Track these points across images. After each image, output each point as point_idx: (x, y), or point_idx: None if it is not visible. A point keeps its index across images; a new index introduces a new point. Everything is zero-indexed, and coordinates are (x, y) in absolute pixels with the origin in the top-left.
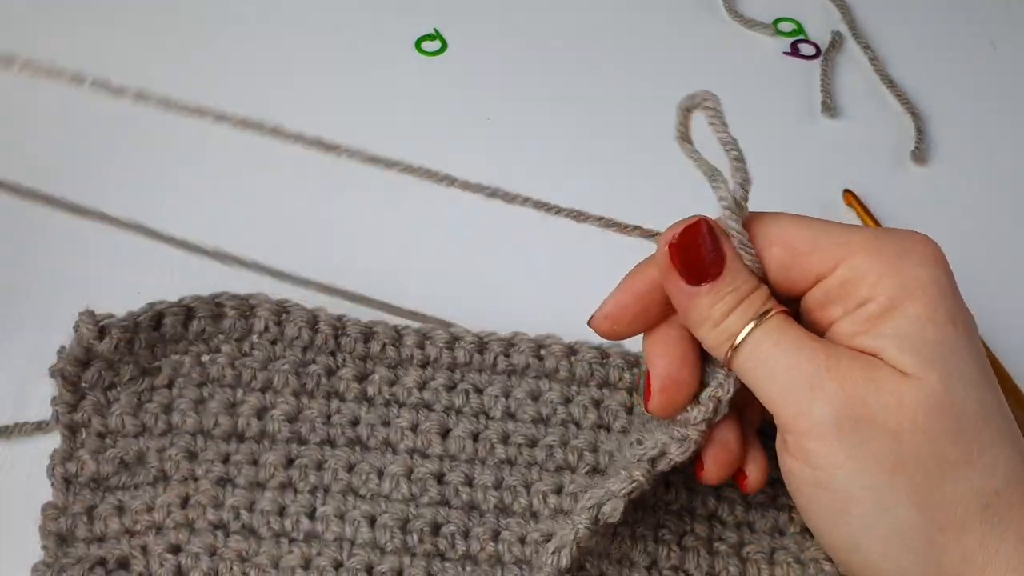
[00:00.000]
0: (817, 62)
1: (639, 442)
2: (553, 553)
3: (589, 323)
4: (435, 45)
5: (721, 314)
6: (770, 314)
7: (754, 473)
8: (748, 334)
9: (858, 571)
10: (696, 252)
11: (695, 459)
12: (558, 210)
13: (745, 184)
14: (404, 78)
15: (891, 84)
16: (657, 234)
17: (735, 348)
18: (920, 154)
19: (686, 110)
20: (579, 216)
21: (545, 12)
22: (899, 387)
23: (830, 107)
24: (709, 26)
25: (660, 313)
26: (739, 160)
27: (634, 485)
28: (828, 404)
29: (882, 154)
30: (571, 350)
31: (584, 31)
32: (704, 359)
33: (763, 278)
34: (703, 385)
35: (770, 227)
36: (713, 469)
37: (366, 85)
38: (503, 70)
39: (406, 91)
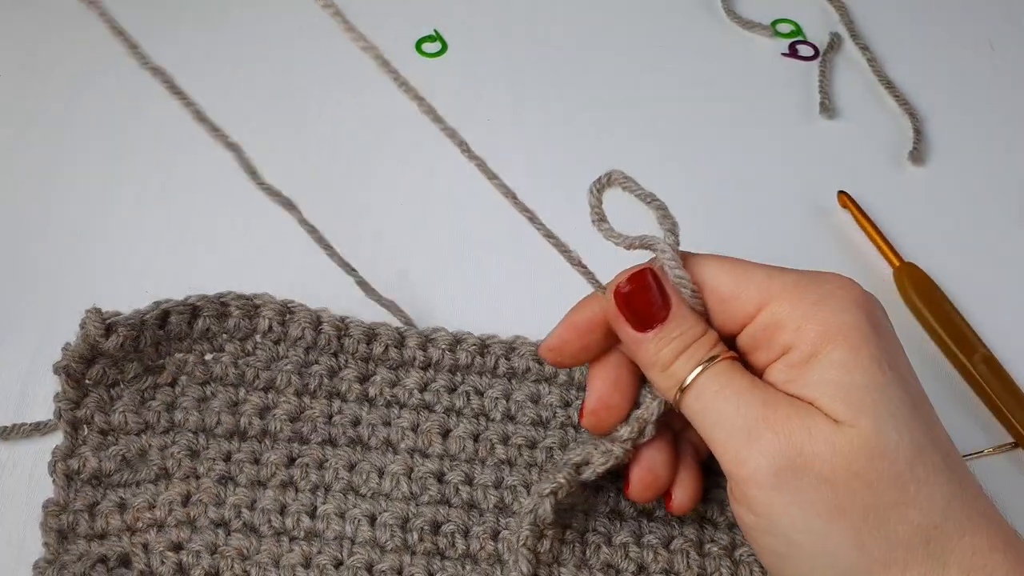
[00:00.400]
0: (815, 63)
1: (571, 449)
2: (513, 561)
3: (538, 350)
4: (435, 46)
5: (668, 358)
6: (717, 359)
7: (680, 496)
8: (694, 378)
9: None
10: (643, 299)
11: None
12: (531, 217)
13: (674, 230)
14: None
15: (889, 85)
16: (598, 284)
17: (683, 391)
18: (918, 155)
19: (598, 191)
20: (546, 233)
21: (545, 13)
22: (831, 436)
23: (828, 108)
24: (707, 27)
25: (601, 346)
26: (662, 209)
27: (555, 485)
28: (764, 454)
29: (880, 155)
30: None
31: (583, 32)
32: (641, 382)
33: (708, 322)
34: (637, 406)
35: (698, 270)
36: (637, 488)
37: (366, 85)
38: (503, 70)
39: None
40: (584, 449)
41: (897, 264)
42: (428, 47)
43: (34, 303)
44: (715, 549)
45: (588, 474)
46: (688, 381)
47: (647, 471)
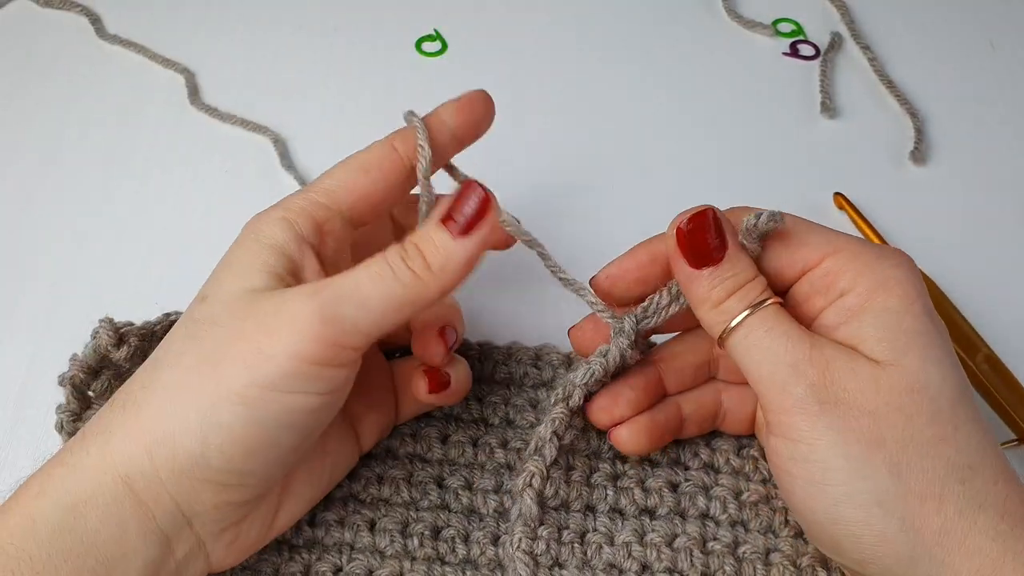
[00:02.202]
0: (816, 63)
1: (553, 393)
2: (512, 569)
3: (591, 280)
4: (435, 46)
5: (720, 297)
6: (766, 303)
7: (625, 434)
8: (743, 319)
9: (840, 545)
10: (701, 238)
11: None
12: (529, 241)
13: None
14: (404, 78)
15: (890, 85)
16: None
17: (730, 330)
18: (919, 154)
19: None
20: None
21: (544, 13)
22: (875, 373)
23: (829, 108)
24: (709, 26)
25: (655, 286)
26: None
27: (554, 420)
28: (810, 386)
29: (881, 154)
30: (568, 359)
31: (584, 32)
32: (660, 292)
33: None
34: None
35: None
36: (595, 407)
37: (366, 85)
38: (503, 70)
39: (406, 91)
40: (565, 380)
41: None
42: (428, 47)
43: (34, 305)
44: (718, 547)
45: (576, 398)
46: (738, 320)
47: (610, 396)
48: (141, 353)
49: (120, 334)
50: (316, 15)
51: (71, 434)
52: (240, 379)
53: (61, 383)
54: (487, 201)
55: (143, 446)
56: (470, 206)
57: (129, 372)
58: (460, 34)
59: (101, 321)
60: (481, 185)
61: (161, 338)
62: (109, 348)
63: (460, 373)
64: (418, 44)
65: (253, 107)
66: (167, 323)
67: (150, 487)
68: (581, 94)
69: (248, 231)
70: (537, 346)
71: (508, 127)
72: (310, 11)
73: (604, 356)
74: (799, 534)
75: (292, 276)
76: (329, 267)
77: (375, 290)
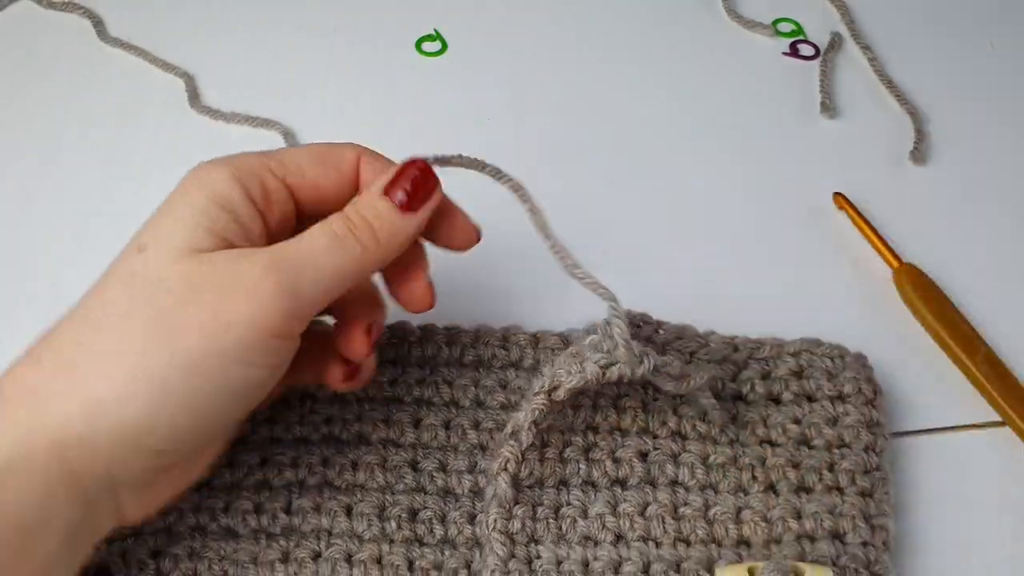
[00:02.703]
0: (816, 62)
1: (540, 376)
2: (488, 547)
3: None
4: (435, 46)
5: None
6: None
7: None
8: None
9: None
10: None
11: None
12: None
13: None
14: (404, 78)
15: (890, 84)
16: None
17: None
18: (919, 154)
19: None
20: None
21: (545, 13)
22: None
23: (829, 107)
24: (709, 26)
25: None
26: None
27: (534, 411)
28: None
29: (881, 154)
30: (535, 339)
31: (584, 31)
32: None
33: None
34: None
35: None
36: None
37: (366, 85)
38: (503, 70)
39: (406, 91)
40: (553, 371)
41: (896, 265)
42: (428, 47)
43: (34, 305)
44: (689, 512)
45: (561, 393)
46: None
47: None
48: None
49: None
50: (316, 15)
51: None
52: (196, 349)
53: None
54: (432, 176)
55: (82, 413)
56: (414, 179)
57: None
58: (460, 34)
59: None
60: (424, 161)
61: None
62: None
63: (370, 363)
64: (418, 44)
65: (253, 107)
66: None
67: (83, 454)
68: (581, 94)
69: (194, 181)
70: (503, 327)
71: (508, 127)
72: (310, 11)
73: (597, 361)
74: (769, 487)
75: (237, 239)
76: (272, 237)
77: (329, 262)
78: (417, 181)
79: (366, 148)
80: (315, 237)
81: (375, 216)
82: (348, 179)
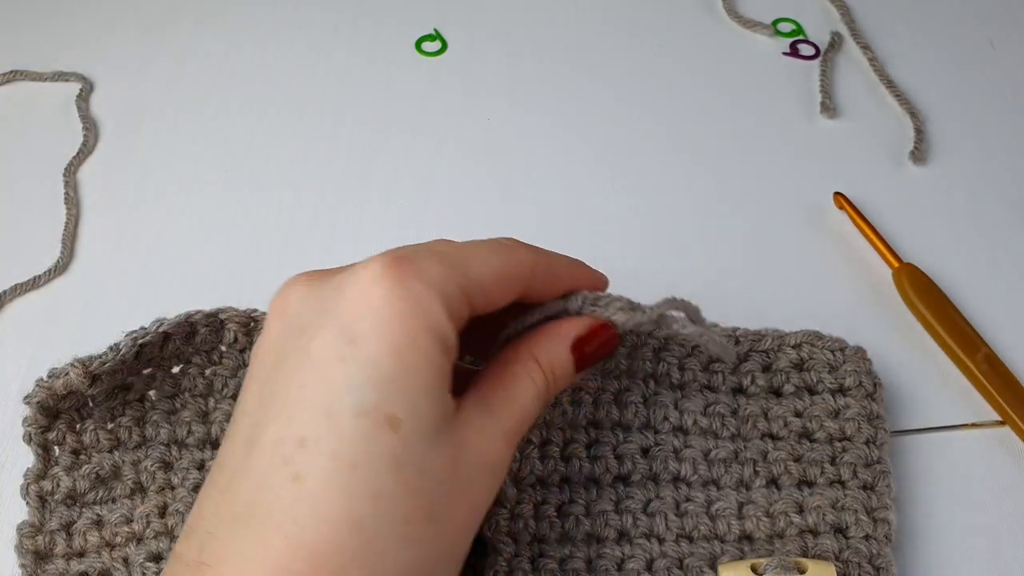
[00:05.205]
0: (816, 62)
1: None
2: None
3: None
4: (435, 45)
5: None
6: None
7: None
8: None
9: None
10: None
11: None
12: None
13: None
14: (404, 78)
15: (890, 84)
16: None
17: None
18: (919, 154)
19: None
20: None
21: (545, 13)
22: None
23: (829, 107)
24: (709, 26)
25: None
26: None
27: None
28: None
29: (881, 154)
30: None
31: (584, 31)
32: None
33: None
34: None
35: None
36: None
37: (366, 85)
38: (503, 70)
39: (406, 91)
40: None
41: (896, 265)
42: (428, 47)
43: (34, 305)
44: (691, 507)
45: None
46: None
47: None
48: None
49: (93, 375)
50: (316, 15)
51: (40, 445)
52: (457, 542)
53: (27, 403)
54: (616, 343)
55: None
56: (603, 345)
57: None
58: (460, 34)
59: (72, 364)
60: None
61: (131, 363)
62: (82, 388)
63: None
64: (418, 44)
65: (251, 106)
66: (135, 349)
67: None
68: (581, 94)
69: (416, 317)
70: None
71: (508, 127)
72: (310, 11)
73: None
74: (771, 482)
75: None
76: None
77: (534, 412)
78: (606, 350)
79: (541, 251)
80: (527, 389)
81: (560, 365)
82: (517, 295)
